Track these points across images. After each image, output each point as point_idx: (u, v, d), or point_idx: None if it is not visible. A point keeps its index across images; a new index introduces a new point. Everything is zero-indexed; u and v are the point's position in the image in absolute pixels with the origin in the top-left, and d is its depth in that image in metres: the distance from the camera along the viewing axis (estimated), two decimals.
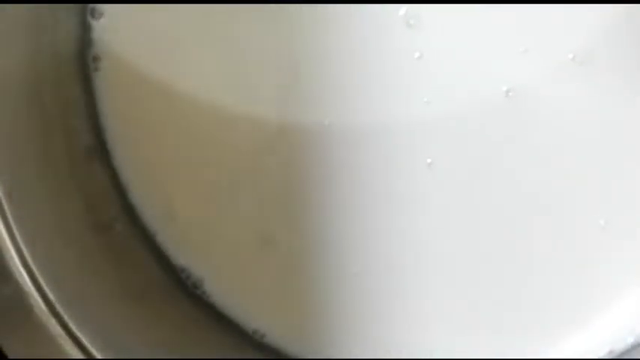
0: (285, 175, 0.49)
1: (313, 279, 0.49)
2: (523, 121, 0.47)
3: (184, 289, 0.50)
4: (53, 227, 0.44)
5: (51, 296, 0.41)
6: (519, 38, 0.47)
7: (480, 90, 0.47)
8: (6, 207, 0.42)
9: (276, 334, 0.49)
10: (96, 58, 0.50)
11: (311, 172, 0.49)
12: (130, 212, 0.50)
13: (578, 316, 0.48)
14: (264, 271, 0.49)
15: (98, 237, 0.47)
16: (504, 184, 0.48)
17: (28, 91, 0.46)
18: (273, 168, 0.49)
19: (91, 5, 0.49)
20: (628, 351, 0.48)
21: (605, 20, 0.47)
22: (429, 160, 0.48)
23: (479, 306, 0.48)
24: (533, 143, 0.48)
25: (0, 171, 0.42)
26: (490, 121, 0.47)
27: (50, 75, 0.48)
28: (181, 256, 0.50)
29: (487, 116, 0.47)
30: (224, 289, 0.50)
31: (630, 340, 0.48)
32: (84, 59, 0.50)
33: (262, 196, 0.49)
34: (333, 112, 0.48)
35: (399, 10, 0.48)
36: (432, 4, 0.47)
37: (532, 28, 0.47)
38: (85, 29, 0.49)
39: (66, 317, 0.41)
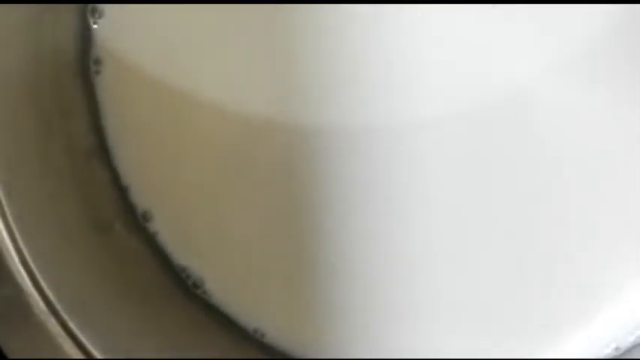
0: (285, 174, 0.49)
1: (313, 278, 0.49)
2: (521, 121, 0.47)
3: (184, 289, 0.50)
4: (53, 227, 0.44)
5: (51, 296, 0.41)
6: (519, 38, 0.47)
7: (478, 90, 0.48)
8: (6, 207, 0.42)
9: (277, 334, 0.49)
10: (97, 61, 0.50)
11: (311, 170, 0.49)
12: (130, 212, 0.50)
13: (579, 316, 0.48)
14: (264, 270, 0.49)
15: (98, 237, 0.47)
16: (504, 182, 0.48)
17: (28, 91, 0.46)
18: (274, 168, 0.49)
19: (91, 5, 0.49)
20: (629, 350, 0.48)
21: (606, 20, 0.47)
22: (427, 160, 0.48)
23: (481, 306, 0.48)
24: (532, 142, 0.48)
25: (0, 171, 0.42)
26: (488, 120, 0.47)
27: (50, 75, 0.48)
28: (181, 256, 0.50)
29: (485, 116, 0.47)
30: (224, 288, 0.50)
31: (631, 339, 0.48)
32: (85, 59, 0.50)
33: (263, 196, 0.49)
34: (332, 110, 0.48)
35: (398, 10, 0.48)
36: (432, 4, 0.47)
37: (532, 28, 0.47)
38: (85, 29, 0.50)
39: (66, 317, 0.41)
